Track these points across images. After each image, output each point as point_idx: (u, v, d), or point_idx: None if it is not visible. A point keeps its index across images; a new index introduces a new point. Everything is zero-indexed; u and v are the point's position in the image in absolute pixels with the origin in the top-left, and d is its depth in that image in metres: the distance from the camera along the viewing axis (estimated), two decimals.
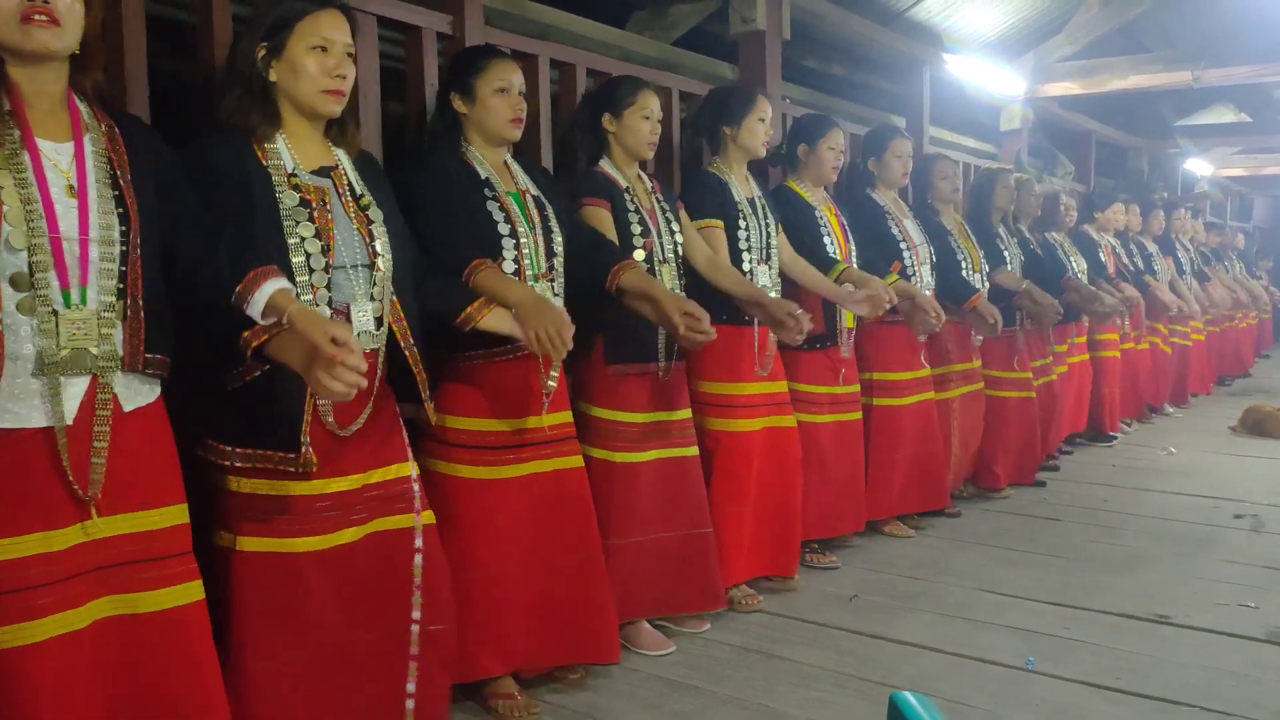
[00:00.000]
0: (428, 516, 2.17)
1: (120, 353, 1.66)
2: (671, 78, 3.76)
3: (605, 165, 2.93)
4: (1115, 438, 6.09)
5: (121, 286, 1.66)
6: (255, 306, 1.75)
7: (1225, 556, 3.78)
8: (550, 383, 2.47)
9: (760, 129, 3.28)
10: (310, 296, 1.93)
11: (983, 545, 3.98)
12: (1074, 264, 5.59)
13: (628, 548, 2.84)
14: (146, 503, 1.72)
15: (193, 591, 1.77)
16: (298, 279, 1.92)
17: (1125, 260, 6.32)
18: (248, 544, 1.97)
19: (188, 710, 1.74)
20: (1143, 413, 6.77)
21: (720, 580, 3.04)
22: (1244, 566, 3.65)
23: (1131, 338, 6.34)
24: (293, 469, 1.94)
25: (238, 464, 1.95)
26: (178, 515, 1.78)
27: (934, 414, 4.15)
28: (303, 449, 1.93)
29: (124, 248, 1.67)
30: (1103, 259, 5.99)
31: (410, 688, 2.12)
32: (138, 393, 1.72)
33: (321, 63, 1.98)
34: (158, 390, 1.78)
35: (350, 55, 2.03)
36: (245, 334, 1.75)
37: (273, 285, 1.77)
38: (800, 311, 2.93)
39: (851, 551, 3.87)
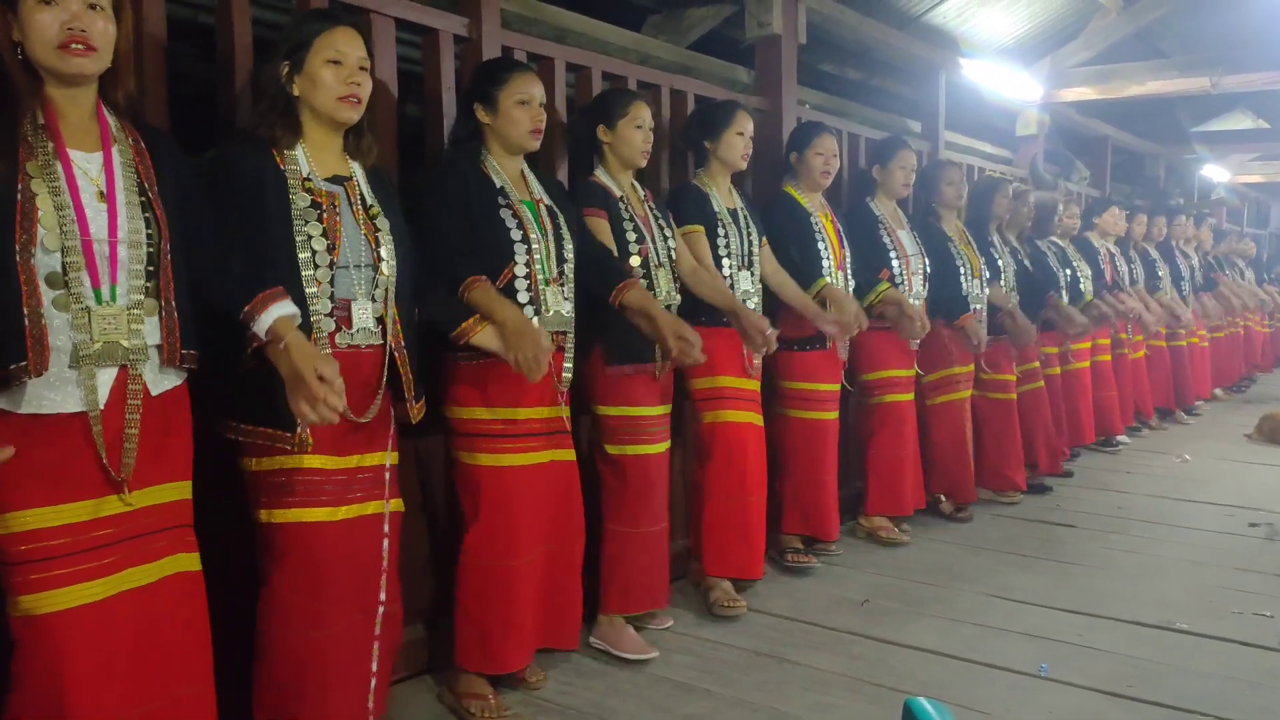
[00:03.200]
0: (396, 504, 2.30)
1: (149, 344, 1.80)
2: (688, 81, 3.77)
3: (600, 175, 3.03)
4: (1118, 443, 6.03)
5: (150, 285, 1.80)
6: (260, 327, 1.93)
7: (1240, 565, 3.76)
8: (563, 385, 2.63)
9: (739, 143, 3.34)
10: (315, 289, 2.09)
11: (995, 551, 3.97)
12: (1079, 271, 5.54)
13: (637, 536, 2.97)
14: (164, 478, 1.86)
15: (186, 562, 1.90)
16: (303, 273, 2.08)
17: (1123, 269, 6.24)
18: (265, 515, 2.12)
19: (178, 676, 1.85)
20: (1151, 416, 6.73)
21: (668, 578, 3.14)
22: (1259, 575, 3.63)
23: (1127, 344, 6.28)
24: (289, 447, 2.08)
25: (253, 440, 2.09)
26: (185, 490, 1.92)
27: (915, 416, 4.22)
28: (298, 429, 2.06)
29: (151, 249, 1.81)
30: (1102, 267, 5.92)
31: (373, 667, 2.24)
32: (165, 378, 1.86)
33: (336, 74, 2.14)
34: (184, 375, 1.91)
35: (364, 69, 2.18)
36: (250, 343, 1.97)
37: (278, 310, 1.94)
38: (770, 332, 3.09)
39: (862, 555, 3.87)
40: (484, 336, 2.37)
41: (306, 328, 2.04)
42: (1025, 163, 6.82)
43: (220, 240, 1.98)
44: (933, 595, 3.43)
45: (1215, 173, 10.77)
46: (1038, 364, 5.02)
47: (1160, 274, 6.73)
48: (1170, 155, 10.10)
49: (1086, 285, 5.57)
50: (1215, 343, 8.12)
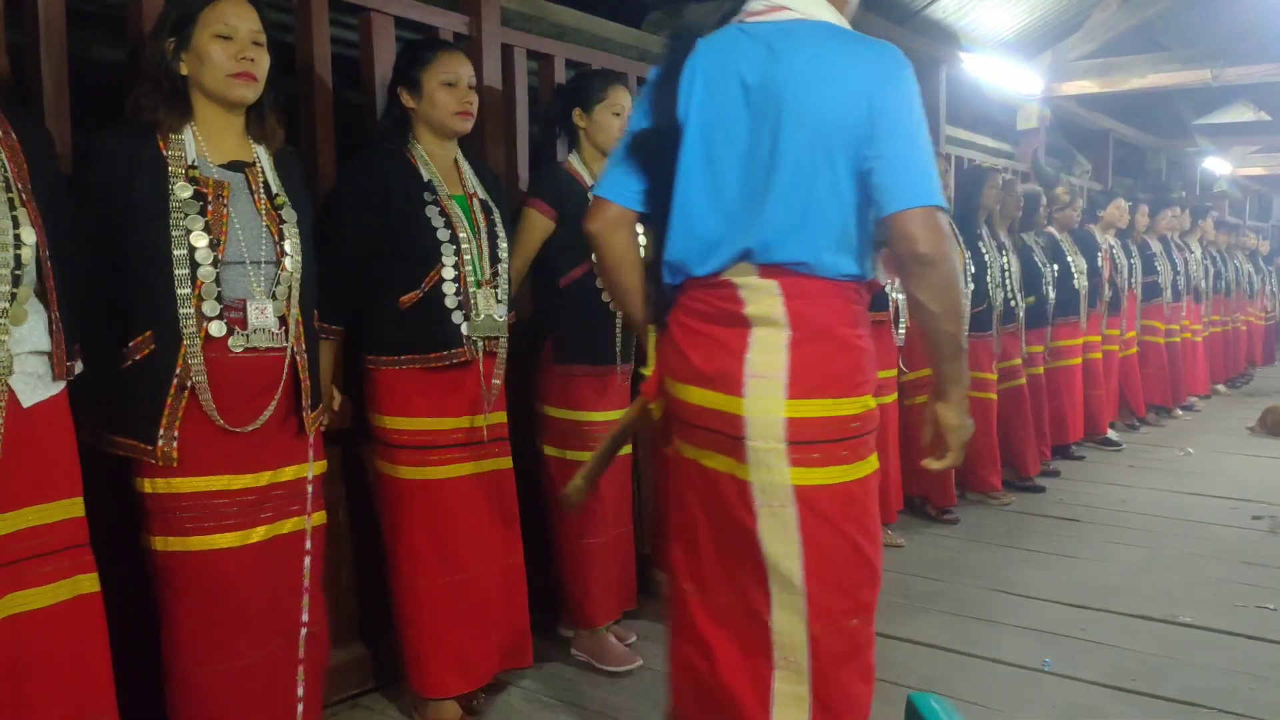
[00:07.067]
0: (318, 518, 2.14)
1: (16, 353, 1.64)
2: None
3: (574, 162, 2.83)
4: (1118, 442, 5.98)
5: (17, 291, 1.63)
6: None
7: (1243, 558, 3.76)
8: (493, 392, 2.45)
9: (615, 124, 3.03)
10: (188, 290, 1.89)
11: (998, 546, 3.97)
12: (1073, 265, 5.47)
13: (596, 546, 2.82)
14: (43, 497, 1.69)
15: (84, 584, 1.74)
16: (176, 272, 1.89)
17: (1122, 263, 6.18)
18: (160, 543, 1.95)
19: (73, 712, 1.71)
20: (1143, 414, 6.67)
21: (635, 581, 3.01)
22: (1262, 568, 3.64)
23: (1117, 340, 6.20)
24: (153, 460, 1.90)
25: (134, 456, 1.93)
26: (73, 508, 1.75)
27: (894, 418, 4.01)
28: (159, 443, 1.89)
29: (19, 251, 1.63)
30: (1100, 263, 5.82)
31: (300, 692, 2.09)
32: (37, 388, 1.69)
33: (226, 49, 1.95)
34: (61, 384, 1.74)
35: (258, 43, 1.99)
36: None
37: None
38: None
39: None
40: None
41: (175, 333, 1.88)
42: (1027, 157, 6.81)
43: (81, 251, 1.81)
44: (935, 590, 3.43)
45: (1217, 165, 10.77)
46: (1019, 361, 4.89)
47: (1159, 268, 6.70)
48: (1172, 148, 10.09)
49: (1080, 280, 5.50)
50: (1213, 338, 8.11)
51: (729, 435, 1.66)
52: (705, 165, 1.72)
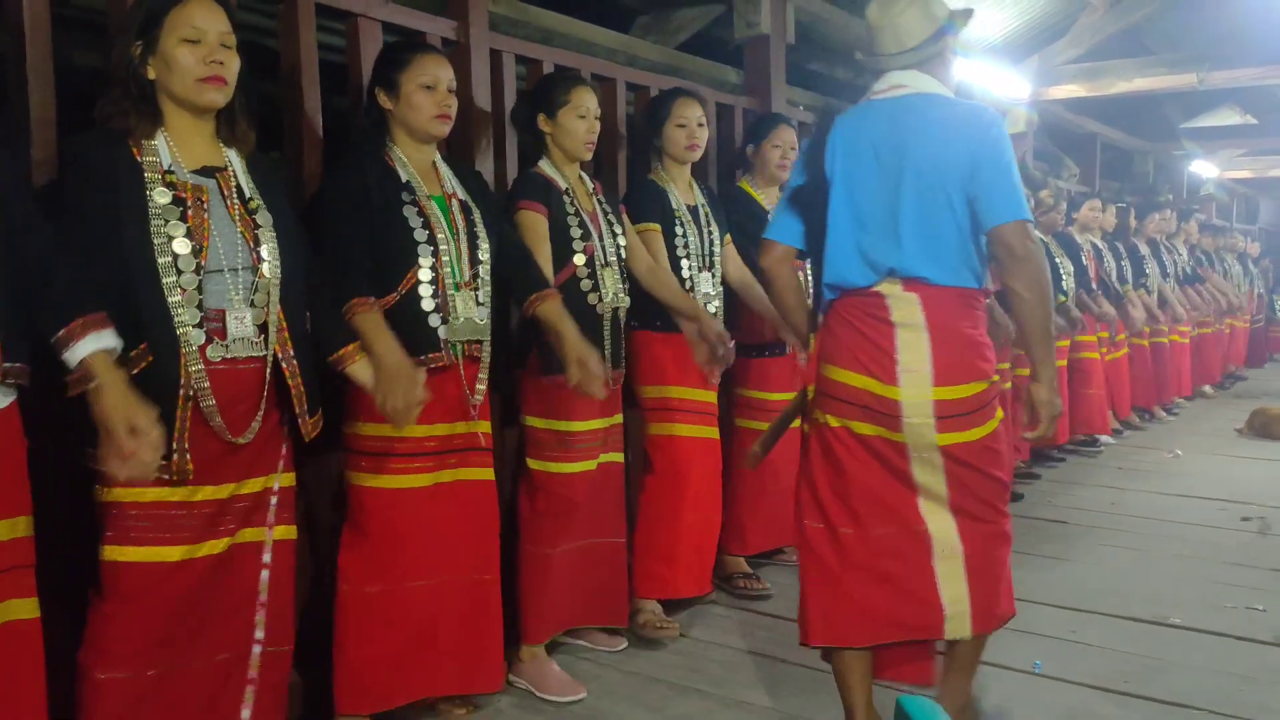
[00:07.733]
0: (280, 531, 2.09)
1: None
2: (676, 83, 3.76)
3: (544, 166, 2.81)
4: (1100, 444, 5.98)
5: None
6: (71, 357, 1.67)
7: (1232, 559, 3.77)
8: (476, 397, 2.41)
9: (679, 135, 3.14)
10: (179, 298, 1.86)
11: None
12: (1061, 267, 5.48)
13: (555, 556, 2.76)
14: None
15: (17, 609, 1.65)
16: (165, 280, 1.85)
17: (1110, 265, 6.21)
18: (110, 553, 1.88)
19: None
20: (1127, 415, 6.66)
21: (626, 595, 2.98)
22: (1251, 569, 3.64)
23: (1107, 342, 6.19)
24: (167, 476, 1.86)
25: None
26: (17, 528, 1.67)
27: None
28: (174, 456, 1.85)
29: None
30: (1084, 263, 5.85)
31: (245, 714, 2.03)
32: None
33: (194, 53, 1.89)
34: (12, 395, 1.67)
35: (227, 45, 1.94)
36: (67, 379, 1.69)
37: (94, 343, 1.67)
38: (731, 343, 2.94)
39: None
40: (360, 368, 2.13)
41: (172, 342, 1.84)
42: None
43: (49, 247, 1.71)
44: None
45: (1204, 168, 10.81)
46: (1007, 365, 4.78)
47: (1148, 270, 6.72)
48: (1159, 152, 10.13)
49: (1068, 281, 5.52)
50: (1201, 339, 8.12)
51: (885, 413, 2.16)
52: (849, 209, 2.19)
